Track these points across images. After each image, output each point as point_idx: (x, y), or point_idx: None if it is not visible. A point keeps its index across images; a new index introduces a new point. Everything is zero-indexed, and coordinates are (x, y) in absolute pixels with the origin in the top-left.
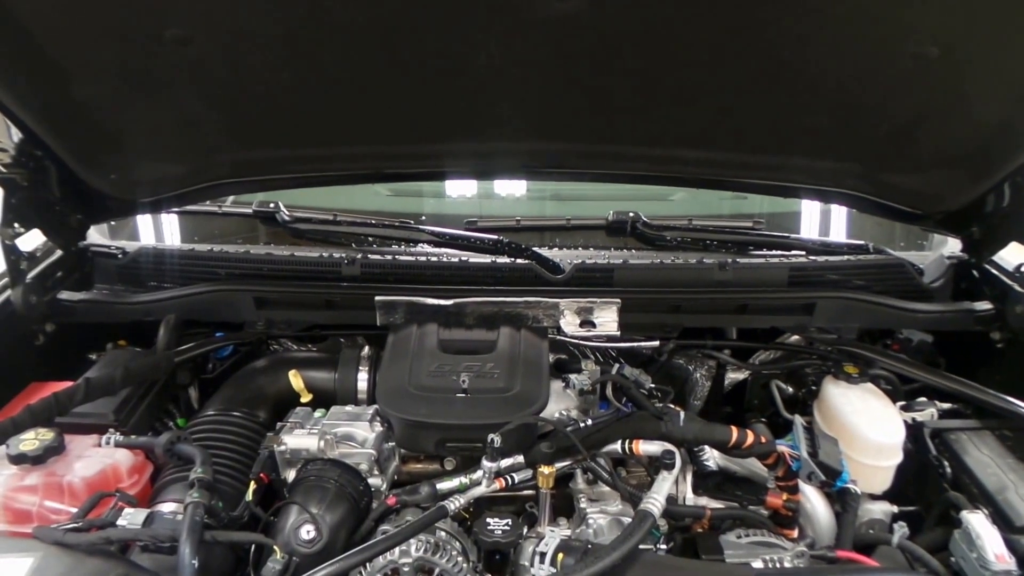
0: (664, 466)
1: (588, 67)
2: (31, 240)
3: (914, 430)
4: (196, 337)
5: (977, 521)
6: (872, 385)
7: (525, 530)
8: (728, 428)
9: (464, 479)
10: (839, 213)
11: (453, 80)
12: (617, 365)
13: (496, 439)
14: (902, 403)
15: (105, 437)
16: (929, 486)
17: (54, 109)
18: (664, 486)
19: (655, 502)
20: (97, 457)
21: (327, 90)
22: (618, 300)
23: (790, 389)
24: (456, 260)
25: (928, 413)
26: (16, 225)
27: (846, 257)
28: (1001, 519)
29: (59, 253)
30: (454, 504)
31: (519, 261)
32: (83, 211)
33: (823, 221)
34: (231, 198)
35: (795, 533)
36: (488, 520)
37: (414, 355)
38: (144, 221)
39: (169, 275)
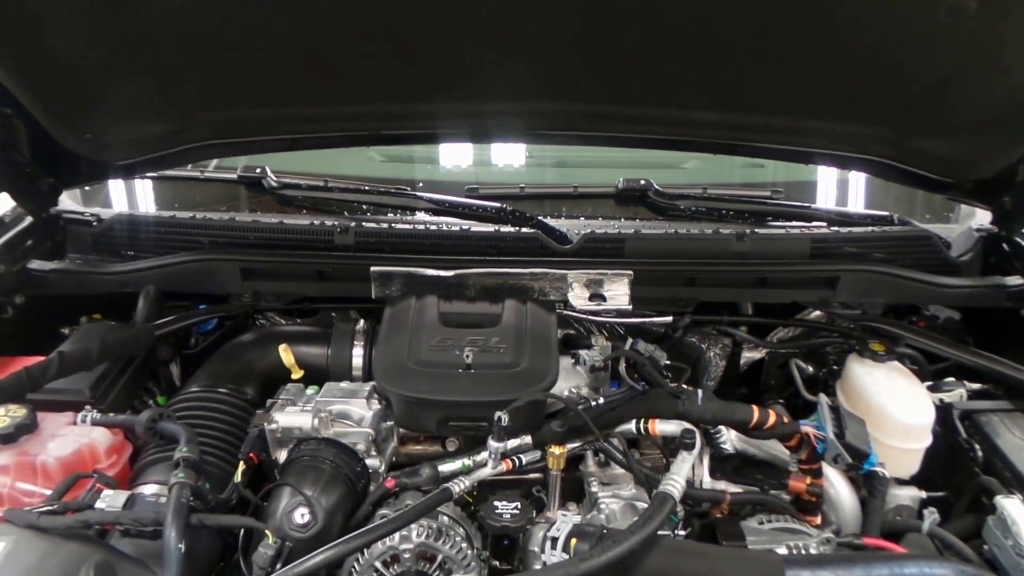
0: (684, 446)
1: (597, 21)
2: None
3: (942, 412)
4: (177, 310)
5: (1013, 507)
6: (899, 363)
7: (534, 515)
8: (749, 407)
9: (468, 461)
10: (857, 183)
11: (452, 34)
12: (631, 340)
13: (503, 417)
14: (929, 383)
15: (81, 415)
16: (959, 471)
17: (26, 61)
18: (684, 468)
19: (675, 484)
20: (73, 436)
21: (314, 44)
22: (630, 272)
23: (810, 368)
24: (456, 229)
25: (957, 394)
26: None
27: (870, 228)
28: None
29: (29, 220)
30: (458, 487)
31: (524, 230)
32: (54, 174)
33: (841, 191)
34: (213, 163)
35: (818, 520)
36: (496, 504)
37: (413, 329)
38: (119, 188)
39: (147, 244)
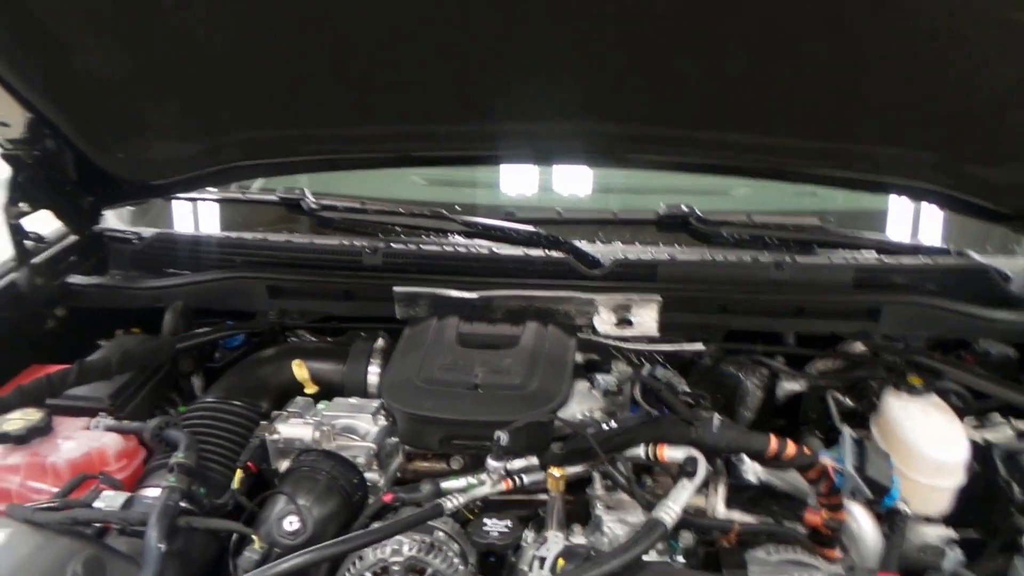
0: (685, 474)
1: (649, 42)
2: (47, 224)
3: (983, 450)
4: (208, 326)
5: None
6: (938, 398)
7: (532, 535)
8: (766, 436)
9: (472, 479)
10: (930, 213)
11: (498, 54)
12: (648, 365)
13: (502, 437)
14: (974, 421)
15: (95, 420)
16: (996, 511)
17: (55, 83)
18: (682, 495)
19: (669, 511)
20: (84, 439)
21: (346, 62)
22: (659, 297)
23: (849, 402)
24: (485, 251)
25: (1002, 432)
26: (22, 204)
27: (920, 259)
28: None
29: (73, 237)
30: (451, 503)
31: (553, 254)
32: (94, 193)
33: (913, 221)
34: (256, 185)
35: (838, 554)
36: (485, 521)
37: (428, 348)
38: (181, 207)
39: (184, 262)
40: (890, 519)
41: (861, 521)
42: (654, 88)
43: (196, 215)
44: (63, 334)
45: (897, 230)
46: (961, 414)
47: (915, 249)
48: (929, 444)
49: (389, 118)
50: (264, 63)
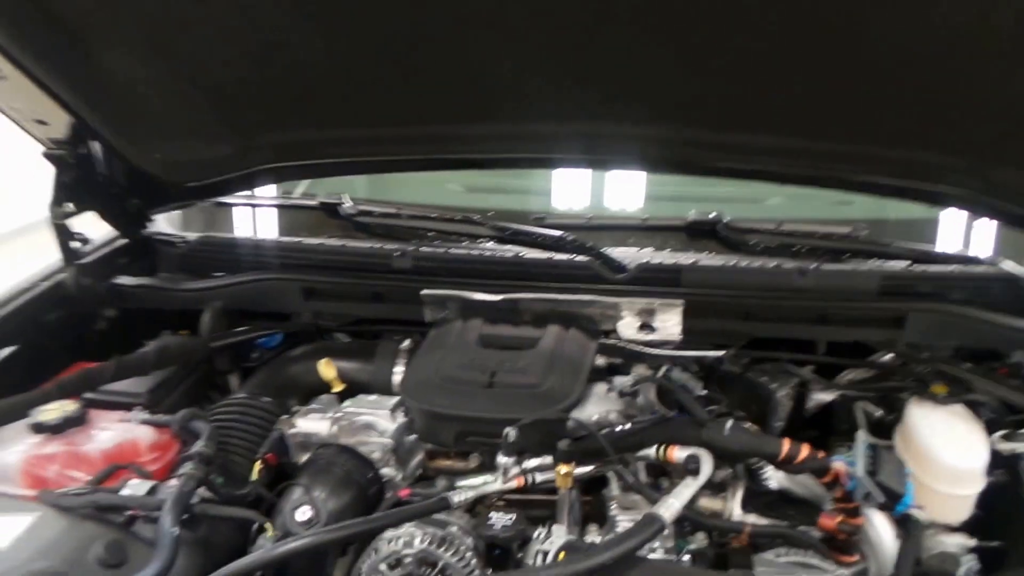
0: (689, 471)
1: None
2: (101, 228)
3: (1010, 461)
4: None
5: None
6: (962, 407)
7: (543, 532)
8: (779, 440)
9: (490, 477)
10: (982, 224)
11: (555, 55)
12: (664, 367)
13: (511, 433)
14: (1003, 432)
15: (131, 414)
16: (1019, 522)
17: (89, 83)
18: (684, 492)
19: (669, 507)
20: (118, 431)
21: (381, 61)
22: (682, 301)
23: (878, 412)
24: (511, 255)
25: None
26: (69, 205)
27: (951, 267)
28: None
29: (122, 241)
30: (459, 497)
31: (579, 258)
32: (140, 196)
33: (965, 233)
34: (300, 190)
35: (855, 559)
36: (491, 515)
37: (449, 348)
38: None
39: (226, 264)
40: (904, 525)
41: (880, 528)
42: (693, 92)
43: (254, 221)
44: (113, 335)
45: (946, 241)
46: (994, 427)
47: (946, 258)
48: (946, 451)
49: (425, 119)
50: (294, 64)
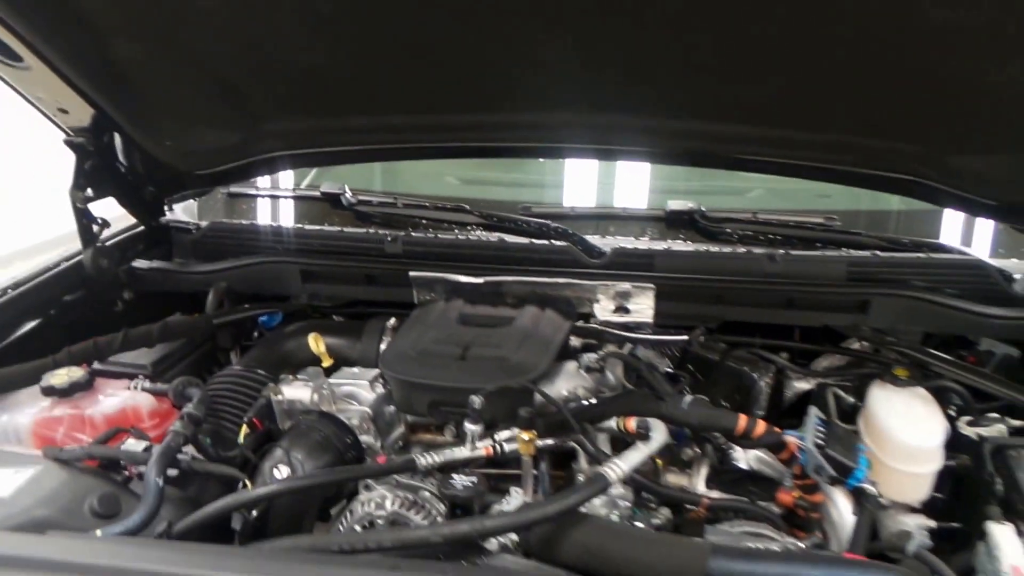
0: (639, 437)
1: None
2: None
3: (976, 446)
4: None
5: (999, 532)
6: (923, 390)
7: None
8: (737, 415)
9: (465, 448)
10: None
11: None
12: (629, 345)
13: (476, 400)
14: (969, 418)
15: (134, 382)
16: (980, 504)
17: (99, 70)
18: (632, 456)
19: (614, 468)
20: (121, 397)
21: (386, 50)
22: (652, 285)
23: (851, 399)
24: (495, 240)
25: (996, 429)
26: (89, 190)
27: (917, 255)
28: None
29: (140, 228)
30: (424, 460)
31: (558, 243)
32: (155, 183)
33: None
34: (306, 181)
35: (818, 536)
36: (453, 476)
37: (429, 325)
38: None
39: (233, 250)
40: (857, 499)
41: (842, 507)
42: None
43: (276, 210)
44: (129, 318)
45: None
46: (963, 414)
47: (914, 246)
48: (902, 430)
49: (432, 108)
50: (301, 55)
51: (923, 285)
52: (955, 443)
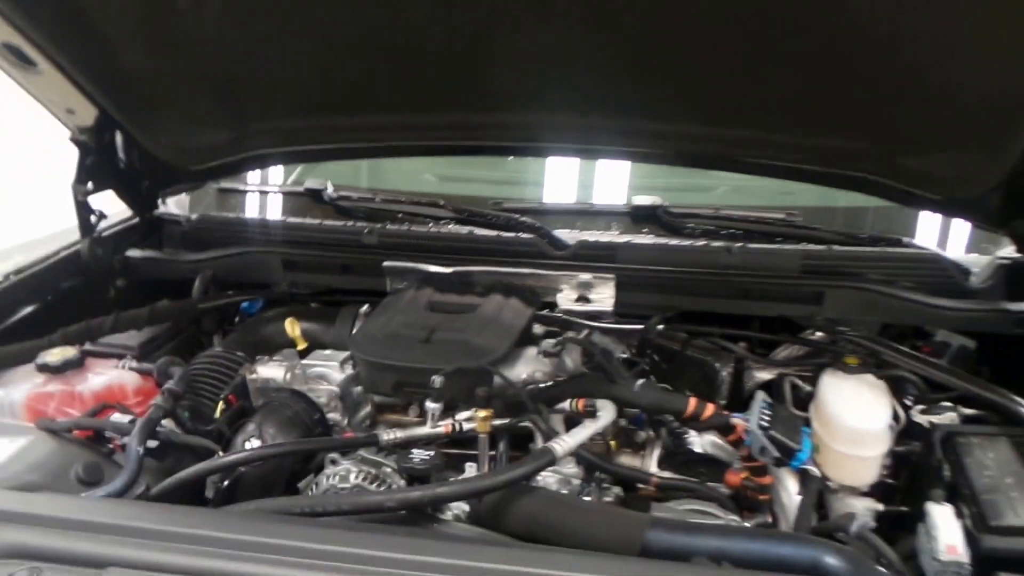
0: (587, 415)
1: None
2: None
3: (926, 433)
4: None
5: (938, 512)
6: (872, 376)
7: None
8: (686, 397)
9: (429, 428)
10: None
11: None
12: (585, 331)
13: (436, 379)
14: (923, 407)
15: (122, 362)
16: (926, 488)
17: (103, 74)
18: (580, 433)
19: (562, 443)
20: (109, 376)
21: (375, 50)
22: (613, 276)
23: (808, 388)
24: (465, 233)
25: (947, 417)
26: (90, 184)
27: (873, 249)
28: (979, 518)
29: (135, 219)
30: (386, 436)
31: (524, 236)
32: (150, 178)
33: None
34: (292, 177)
35: (767, 519)
36: (412, 451)
37: (398, 311)
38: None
39: (220, 240)
40: (801, 480)
41: (790, 489)
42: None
43: (262, 204)
44: (122, 304)
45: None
46: (918, 403)
47: (870, 240)
48: (848, 414)
49: (416, 108)
50: (290, 57)
51: (878, 278)
52: (908, 431)
